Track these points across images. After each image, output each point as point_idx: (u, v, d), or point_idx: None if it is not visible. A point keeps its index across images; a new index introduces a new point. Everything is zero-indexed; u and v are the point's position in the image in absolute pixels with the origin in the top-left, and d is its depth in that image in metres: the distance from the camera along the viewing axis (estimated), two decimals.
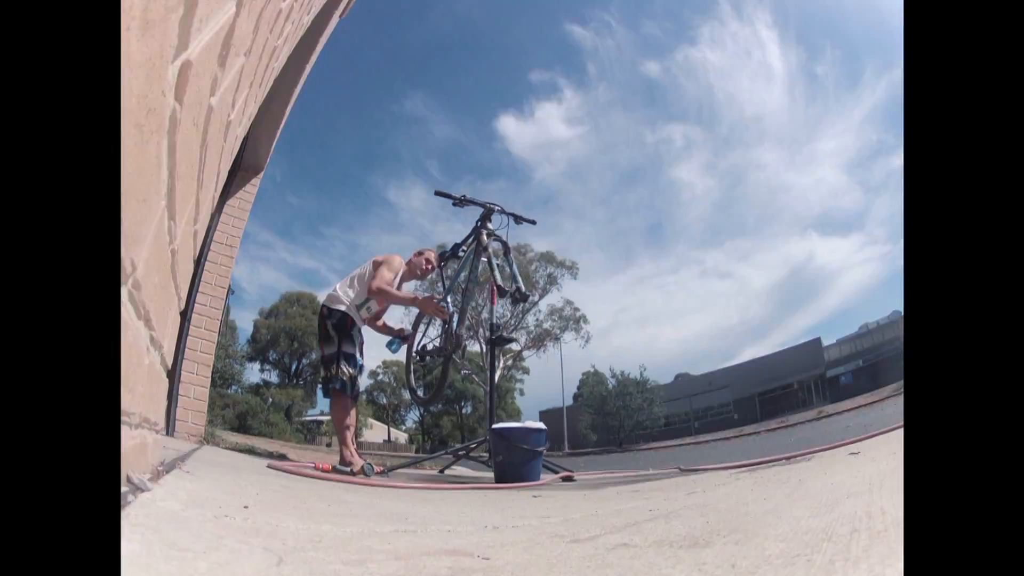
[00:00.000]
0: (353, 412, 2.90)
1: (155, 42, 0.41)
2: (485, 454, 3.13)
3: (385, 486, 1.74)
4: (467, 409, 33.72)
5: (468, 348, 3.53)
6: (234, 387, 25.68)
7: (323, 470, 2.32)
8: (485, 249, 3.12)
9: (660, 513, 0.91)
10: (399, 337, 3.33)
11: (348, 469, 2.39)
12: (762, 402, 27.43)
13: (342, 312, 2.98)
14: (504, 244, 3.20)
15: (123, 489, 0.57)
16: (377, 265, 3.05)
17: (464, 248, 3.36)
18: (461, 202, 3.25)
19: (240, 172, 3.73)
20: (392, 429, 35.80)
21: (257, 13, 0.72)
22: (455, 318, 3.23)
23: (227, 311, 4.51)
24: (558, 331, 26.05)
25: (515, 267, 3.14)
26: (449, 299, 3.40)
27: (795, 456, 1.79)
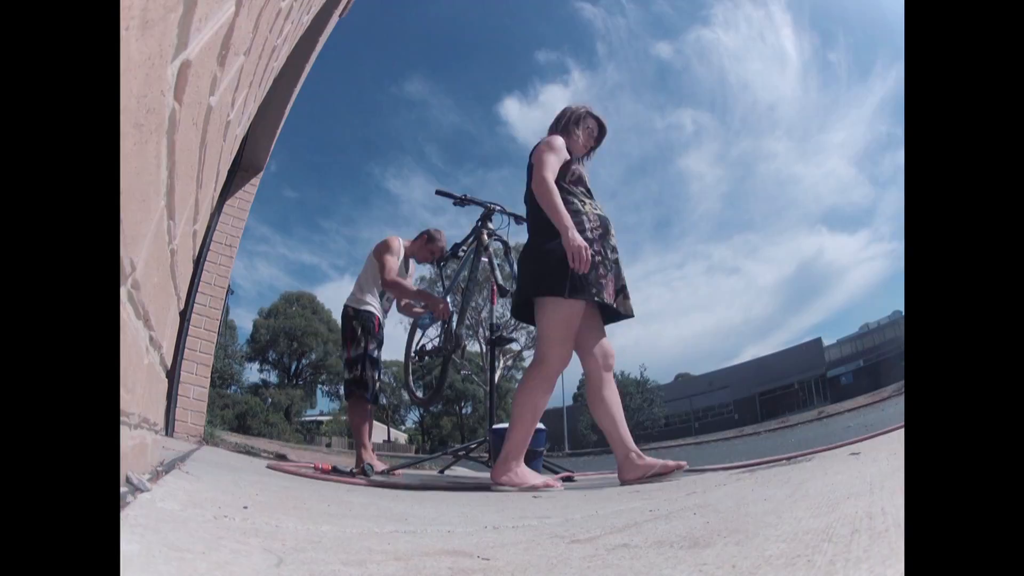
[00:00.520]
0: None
1: (154, 41, 0.41)
2: (485, 454, 3.13)
3: (385, 486, 1.74)
4: (467, 409, 33.72)
5: (468, 348, 3.52)
6: (233, 387, 25.70)
7: (323, 470, 2.32)
8: (486, 249, 3.11)
9: (660, 513, 0.91)
10: (432, 313, 3.14)
11: (348, 470, 2.38)
12: (762, 402, 27.45)
13: (369, 312, 2.90)
14: (505, 244, 3.19)
15: (122, 489, 0.57)
16: (381, 254, 2.96)
17: (464, 248, 3.36)
18: (462, 201, 3.23)
19: (240, 172, 3.73)
20: (392, 429, 35.80)
21: (257, 12, 0.72)
22: (455, 318, 3.22)
23: (226, 311, 4.51)
24: None
25: (515, 267, 3.13)
26: (449, 299, 3.40)
27: (795, 456, 1.79)
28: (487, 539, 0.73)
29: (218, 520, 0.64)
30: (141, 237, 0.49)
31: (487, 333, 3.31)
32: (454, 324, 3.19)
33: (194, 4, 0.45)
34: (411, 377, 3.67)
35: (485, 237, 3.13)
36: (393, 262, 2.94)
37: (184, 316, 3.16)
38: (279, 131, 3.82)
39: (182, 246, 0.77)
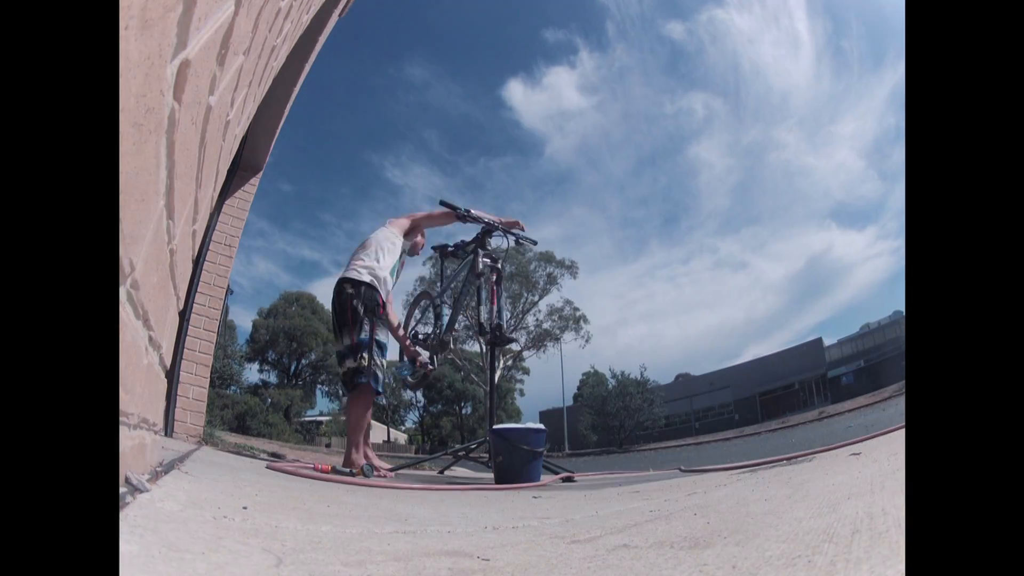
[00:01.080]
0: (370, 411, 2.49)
1: (153, 41, 0.41)
2: (485, 455, 3.13)
3: (384, 487, 1.74)
4: (467, 410, 33.71)
5: (468, 348, 3.52)
6: (233, 387, 25.68)
7: (322, 471, 2.31)
8: (479, 276, 3.06)
9: (661, 514, 0.91)
10: (420, 367, 3.09)
11: (348, 470, 2.34)
12: (763, 402, 27.46)
13: (369, 284, 2.50)
14: (498, 273, 3.12)
15: (121, 490, 0.57)
16: (408, 226, 2.81)
17: (464, 250, 3.35)
18: (465, 217, 3.21)
19: (239, 171, 3.73)
20: (392, 429, 35.79)
21: (256, 12, 0.72)
22: (444, 322, 3.22)
23: (226, 311, 4.50)
24: (558, 331, 26.07)
25: (503, 300, 3.07)
26: (445, 299, 3.40)
27: (796, 456, 1.79)
28: (487, 540, 0.73)
29: (217, 520, 0.64)
30: (140, 237, 0.49)
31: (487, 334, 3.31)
32: (442, 328, 3.19)
33: (193, 3, 0.45)
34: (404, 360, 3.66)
35: (480, 264, 3.07)
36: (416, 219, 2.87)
37: (183, 316, 3.16)
38: (279, 131, 3.82)
39: (181, 246, 0.77)
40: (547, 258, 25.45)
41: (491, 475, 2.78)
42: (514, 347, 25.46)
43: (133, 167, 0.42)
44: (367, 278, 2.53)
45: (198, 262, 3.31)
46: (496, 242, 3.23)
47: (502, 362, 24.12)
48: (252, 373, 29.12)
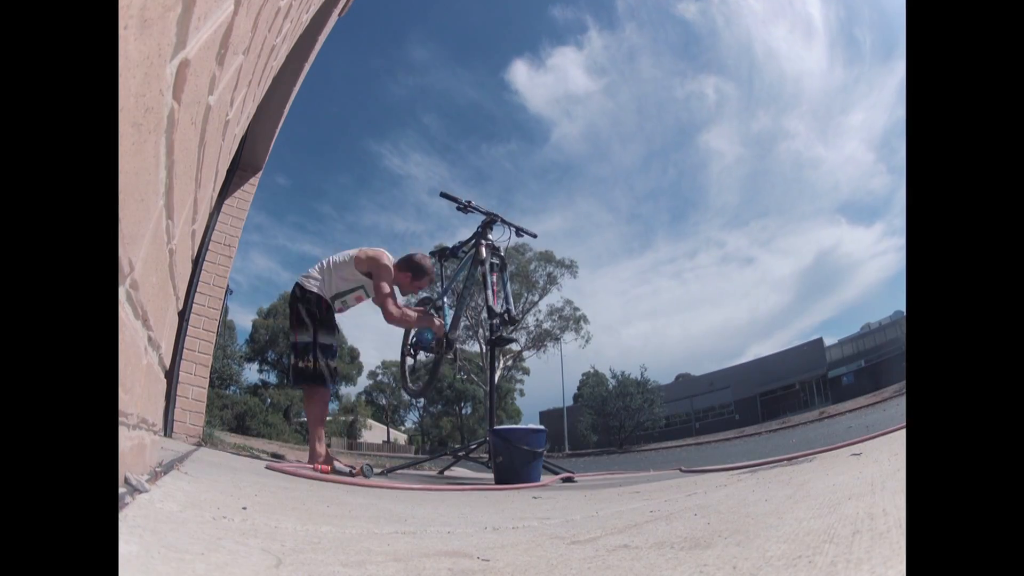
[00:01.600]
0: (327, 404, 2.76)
1: (153, 40, 0.41)
2: (485, 455, 3.13)
3: (384, 487, 1.74)
4: (467, 410, 33.71)
5: (468, 348, 3.54)
6: (232, 388, 25.67)
7: (322, 471, 2.32)
8: (482, 263, 3.09)
9: (661, 514, 0.91)
10: (431, 331, 3.06)
11: (348, 470, 2.35)
12: (763, 402, 27.46)
13: (317, 295, 2.70)
14: (502, 260, 3.15)
15: (121, 490, 0.57)
16: (380, 278, 2.73)
17: (464, 250, 3.36)
18: (466, 208, 3.23)
19: (238, 171, 3.73)
20: (391, 430, 35.79)
21: (256, 11, 0.72)
22: (448, 321, 3.23)
23: (225, 311, 4.50)
24: (558, 331, 26.07)
25: (508, 287, 3.10)
26: (446, 299, 3.41)
27: (797, 457, 1.79)
28: (487, 540, 0.72)
29: (217, 521, 0.64)
30: (140, 237, 0.49)
31: (487, 333, 3.31)
32: (447, 327, 3.20)
33: (193, 3, 0.45)
34: (407, 371, 3.67)
35: (483, 251, 3.10)
36: (393, 291, 2.75)
37: (183, 316, 3.16)
38: (278, 130, 3.82)
39: (181, 246, 0.77)
40: (547, 258, 25.46)
41: (491, 476, 2.78)
42: (514, 347, 25.46)
43: (132, 167, 0.42)
44: (315, 289, 2.74)
45: (197, 262, 3.31)
46: (498, 232, 3.25)
47: (502, 362, 24.14)
48: (252, 373, 29.12)
